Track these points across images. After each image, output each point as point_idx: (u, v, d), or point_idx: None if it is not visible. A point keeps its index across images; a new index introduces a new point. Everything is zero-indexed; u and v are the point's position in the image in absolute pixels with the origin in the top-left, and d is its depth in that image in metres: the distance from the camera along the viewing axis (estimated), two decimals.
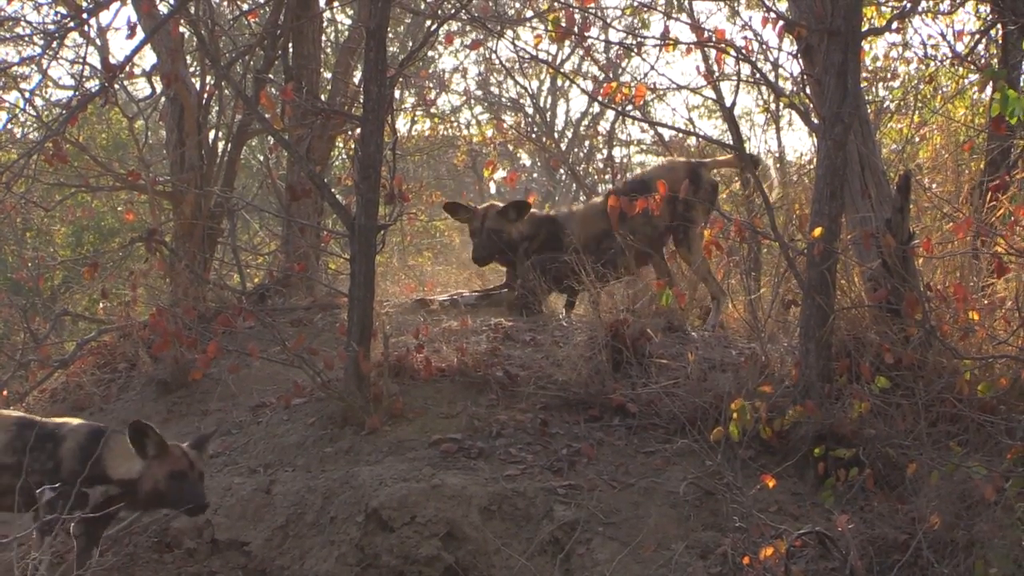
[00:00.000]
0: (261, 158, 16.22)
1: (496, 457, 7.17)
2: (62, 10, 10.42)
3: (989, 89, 8.68)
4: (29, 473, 6.33)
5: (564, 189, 19.03)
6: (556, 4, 8.44)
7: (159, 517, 7.19)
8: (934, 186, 9.01)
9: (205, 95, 10.37)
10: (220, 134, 10.67)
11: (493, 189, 18.58)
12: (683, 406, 7.36)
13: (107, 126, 16.75)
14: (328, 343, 8.25)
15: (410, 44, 15.95)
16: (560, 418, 7.52)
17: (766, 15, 8.05)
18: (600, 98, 12.21)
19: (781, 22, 7.88)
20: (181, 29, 10.19)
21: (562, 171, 17.96)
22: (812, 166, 9.47)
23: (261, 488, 7.21)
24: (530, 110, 18.79)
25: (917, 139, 10.89)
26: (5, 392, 9.24)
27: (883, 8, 10.02)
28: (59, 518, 6.23)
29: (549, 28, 8.04)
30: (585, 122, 19.91)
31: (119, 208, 15.53)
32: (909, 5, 8.83)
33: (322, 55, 11.66)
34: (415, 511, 6.76)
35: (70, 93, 12.62)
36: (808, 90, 7.80)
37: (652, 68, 17.10)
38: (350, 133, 10.96)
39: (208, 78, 10.35)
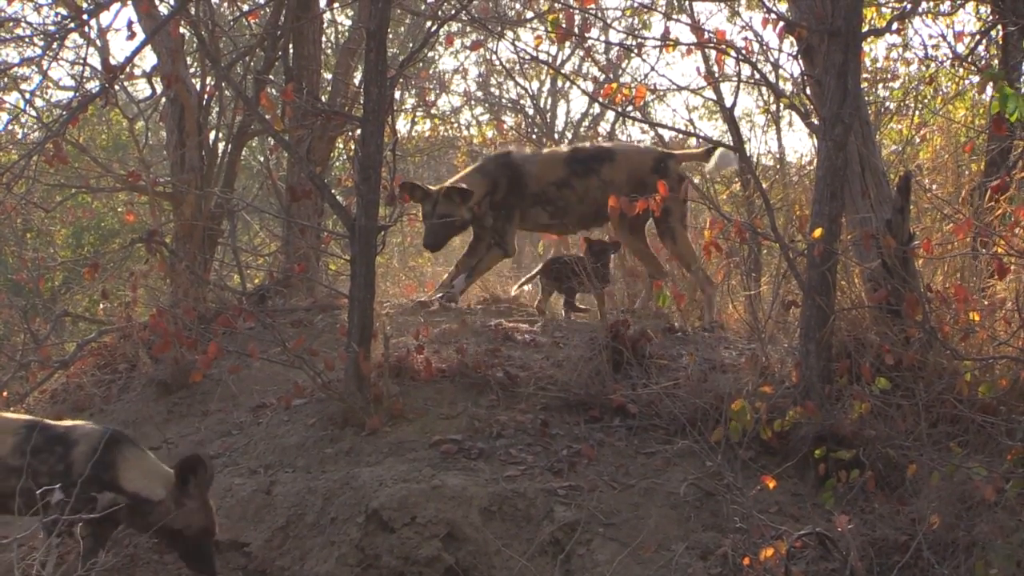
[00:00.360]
0: (261, 159, 16.24)
1: (496, 458, 7.17)
2: (62, 11, 10.43)
3: (989, 90, 8.68)
4: (36, 475, 6.31)
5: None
6: (556, 5, 8.44)
7: None
8: (934, 187, 9.02)
9: (205, 96, 10.37)
10: (220, 135, 10.68)
11: None
12: (683, 407, 7.36)
13: (107, 127, 16.77)
14: (328, 344, 8.25)
15: (410, 45, 15.96)
16: (560, 419, 7.52)
17: (766, 16, 8.06)
18: (600, 99, 12.21)
19: (781, 23, 7.88)
20: (181, 30, 10.20)
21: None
22: (812, 167, 9.47)
23: (261, 489, 7.21)
24: (530, 111, 18.77)
25: (917, 140, 10.89)
26: (5, 393, 9.24)
27: (883, 9, 10.04)
28: (64, 519, 6.22)
29: (549, 29, 8.04)
30: (585, 123, 19.90)
31: (119, 209, 15.56)
32: (909, 6, 8.85)
33: (322, 56, 11.66)
34: (415, 512, 6.76)
35: (70, 94, 12.62)
36: (808, 91, 7.80)
37: (652, 69, 17.10)
38: (350, 134, 10.95)
39: (208, 79, 10.36)
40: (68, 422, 6.74)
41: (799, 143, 40.34)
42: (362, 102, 7.75)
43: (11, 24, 11.82)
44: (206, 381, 8.45)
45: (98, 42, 11.75)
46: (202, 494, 6.40)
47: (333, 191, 10.77)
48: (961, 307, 7.17)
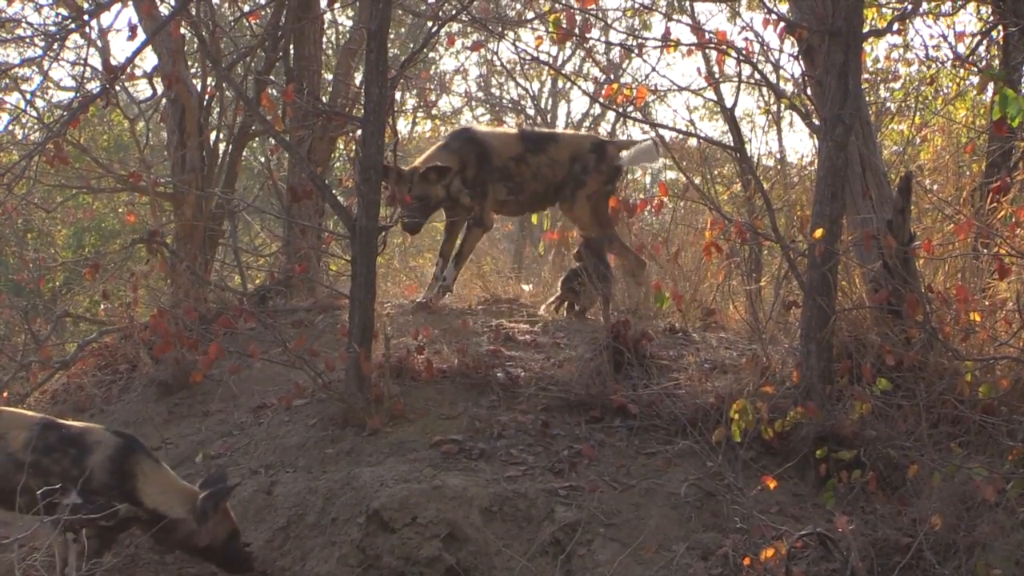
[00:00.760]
0: (262, 159, 16.25)
1: (497, 458, 7.17)
2: (63, 11, 10.44)
3: (990, 90, 8.68)
4: (47, 475, 6.28)
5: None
6: (557, 6, 8.43)
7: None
8: (935, 187, 9.01)
9: (206, 96, 10.38)
10: (221, 135, 10.68)
11: None
12: (684, 407, 7.36)
13: (108, 128, 16.76)
14: (329, 344, 8.25)
15: (411, 46, 15.96)
16: (561, 419, 7.52)
17: (767, 16, 8.05)
18: (601, 99, 12.21)
19: (782, 23, 7.88)
20: (182, 31, 10.20)
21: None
22: (813, 167, 9.47)
23: (262, 489, 7.21)
24: (531, 111, 18.79)
25: (918, 140, 10.89)
26: (6, 393, 9.24)
27: (884, 9, 10.02)
28: (65, 519, 6.22)
29: (550, 29, 8.04)
30: (586, 123, 19.91)
31: (120, 209, 15.56)
32: (910, 6, 8.83)
33: (323, 57, 11.67)
34: (416, 512, 6.76)
35: (71, 94, 12.62)
36: (809, 91, 7.80)
37: (653, 70, 17.07)
38: (351, 135, 10.95)
39: (209, 79, 10.36)
40: (81, 423, 6.71)
41: (800, 143, 40.35)
42: (363, 103, 7.75)
43: (12, 24, 11.82)
44: (207, 381, 8.46)
45: (99, 43, 11.78)
46: (223, 511, 6.40)
47: (334, 191, 10.77)
48: (962, 307, 7.17)
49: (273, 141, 10.41)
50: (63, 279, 14.98)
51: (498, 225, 16.67)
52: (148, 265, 10.28)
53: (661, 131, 11.97)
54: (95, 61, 12.12)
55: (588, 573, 6.54)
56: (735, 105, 8.59)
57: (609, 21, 14.01)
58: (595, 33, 13.36)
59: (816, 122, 7.57)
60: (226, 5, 12.33)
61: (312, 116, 9.36)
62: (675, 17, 10.21)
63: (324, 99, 10.60)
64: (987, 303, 7.41)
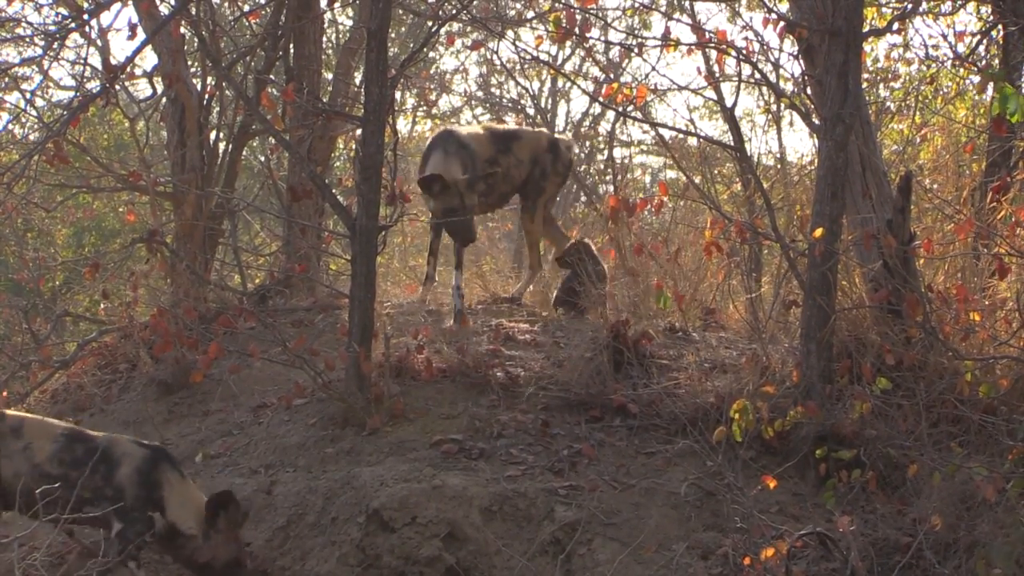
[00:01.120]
0: (262, 159, 16.23)
1: (497, 458, 7.17)
2: (63, 11, 10.43)
3: (990, 90, 8.68)
4: (74, 487, 6.26)
5: (565, 190, 19.02)
6: (557, 5, 8.43)
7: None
8: (935, 187, 9.01)
9: (206, 96, 10.37)
10: (221, 135, 10.68)
11: None
12: (684, 407, 7.36)
13: (108, 127, 16.76)
14: (329, 344, 8.25)
15: (411, 45, 15.96)
16: (561, 419, 7.52)
17: (767, 16, 8.05)
18: (601, 99, 12.21)
19: (782, 23, 7.88)
20: (182, 30, 10.20)
21: None
22: (813, 167, 9.47)
23: (262, 489, 7.21)
24: (531, 111, 18.78)
25: (918, 140, 10.88)
26: (5, 392, 9.24)
27: (884, 9, 10.02)
28: (135, 543, 6.23)
29: (550, 29, 8.04)
30: (586, 123, 19.91)
31: (120, 209, 15.56)
32: (910, 6, 8.83)
33: (323, 56, 11.66)
34: (416, 512, 6.76)
35: (71, 94, 12.62)
36: (809, 91, 7.80)
37: (653, 69, 17.07)
38: (351, 134, 10.95)
39: (209, 79, 10.36)
40: (107, 434, 6.64)
41: (800, 143, 40.35)
42: (363, 102, 7.74)
43: (11, 24, 11.81)
44: (207, 381, 8.45)
45: (99, 42, 11.76)
46: (230, 529, 6.35)
47: (334, 191, 10.77)
48: (962, 307, 7.17)
49: (273, 140, 10.42)
50: (63, 278, 14.98)
51: (498, 225, 16.70)
52: (148, 264, 10.27)
53: (661, 130, 12.00)
54: (95, 60, 12.11)
55: (588, 572, 6.54)
56: (735, 104, 8.60)
57: (609, 20, 14.01)
58: (595, 32, 13.36)
59: (816, 121, 7.57)
60: (226, 4, 12.32)
61: (312, 115, 9.35)
62: (675, 16, 10.22)
63: (324, 98, 10.60)
64: (987, 303, 7.41)
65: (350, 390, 7.51)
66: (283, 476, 7.29)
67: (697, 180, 10.30)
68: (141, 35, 9.05)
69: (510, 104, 18.85)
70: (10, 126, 14.15)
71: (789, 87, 9.38)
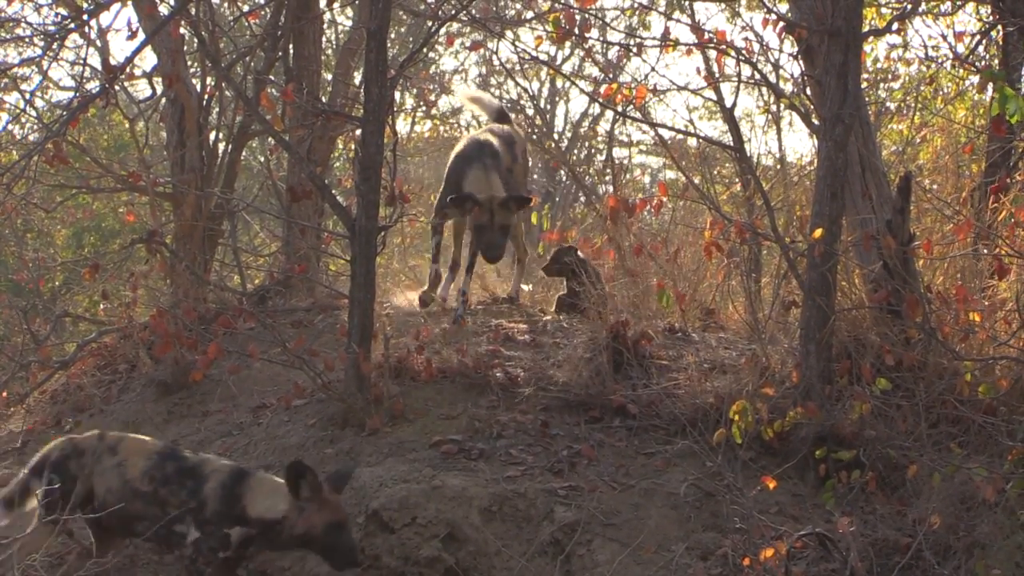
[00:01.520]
0: (262, 159, 16.24)
1: (496, 458, 7.17)
2: (62, 11, 10.42)
3: (990, 90, 8.68)
4: (164, 505, 6.23)
5: (564, 190, 19.05)
6: (556, 5, 8.43)
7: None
8: (935, 188, 9.01)
9: (206, 96, 10.37)
10: (221, 135, 10.68)
11: None
12: (684, 407, 7.37)
13: (108, 127, 16.76)
14: (329, 344, 8.25)
15: (411, 45, 15.96)
16: (561, 419, 7.52)
17: (767, 16, 8.06)
18: (600, 99, 12.20)
19: (782, 23, 7.88)
20: (182, 30, 10.19)
21: (562, 172, 17.98)
22: (813, 167, 9.47)
23: None
24: (530, 111, 18.78)
25: (918, 140, 10.88)
26: (5, 393, 9.24)
27: (884, 9, 10.03)
28: (206, 560, 6.20)
29: (549, 29, 8.04)
30: (585, 123, 19.91)
31: (120, 209, 15.55)
32: (910, 6, 8.83)
33: (323, 56, 11.66)
34: (416, 512, 6.75)
35: (71, 94, 12.61)
36: (809, 91, 7.80)
37: (653, 69, 17.08)
38: (351, 134, 10.95)
39: (209, 79, 10.36)
40: (201, 454, 6.60)
41: (799, 143, 40.33)
42: (362, 102, 7.74)
43: (11, 24, 11.81)
44: (206, 381, 8.46)
45: (98, 42, 11.76)
46: (316, 494, 6.20)
47: (333, 191, 10.76)
48: (961, 308, 7.18)
49: (273, 141, 10.41)
50: (63, 279, 14.97)
51: None
52: (147, 265, 10.28)
53: (661, 131, 12.00)
54: (94, 61, 12.09)
55: (587, 573, 6.54)
56: (734, 105, 8.63)
57: (608, 21, 14.02)
58: (594, 33, 13.36)
59: (816, 122, 7.57)
60: (225, 5, 12.32)
61: (312, 116, 9.34)
62: (674, 17, 10.21)
63: (324, 99, 10.60)
64: (987, 303, 7.41)
65: (350, 391, 7.52)
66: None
67: (696, 180, 10.29)
68: (141, 35, 9.06)
69: (509, 104, 18.84)
70: (10, 126, 14.13)
71: (789, 87, 9.38)
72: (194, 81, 10.35)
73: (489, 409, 7.60)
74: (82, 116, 9.43)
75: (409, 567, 6.66)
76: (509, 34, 13.48)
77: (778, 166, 12.72)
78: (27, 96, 12.91)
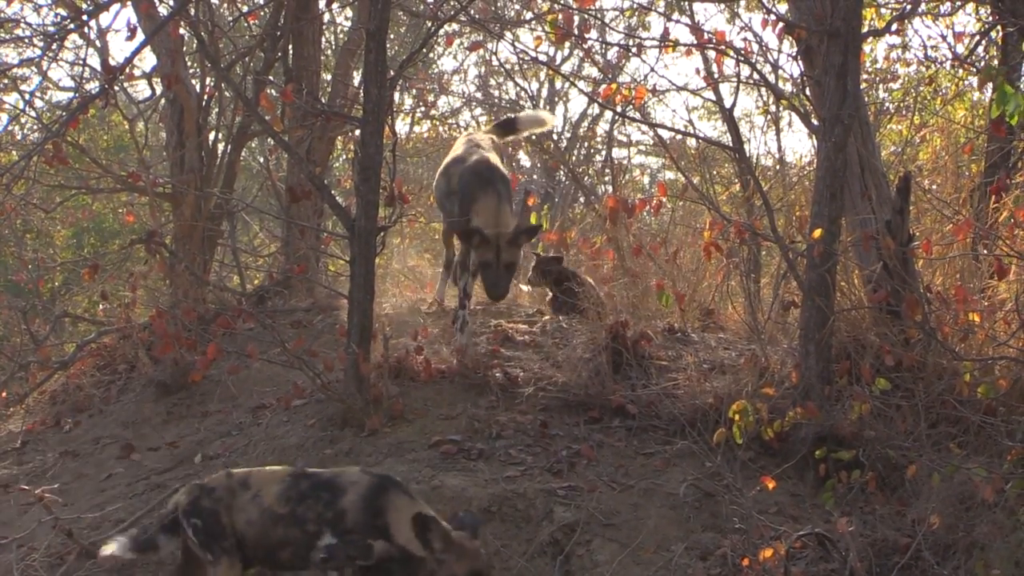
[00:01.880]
0: (261, 160, 16.25)
1: (496, 458, 7.17)
2: (62, 12, 10.43)
3: (989, 90, 8.68)
4: (303, 522, 6.00)
5: (563, 190, 19.04)
6: (556, 6, 8.43)
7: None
8: (934, 188, 9.01)
9: (205, 97, 10.38)
10: (220, 136, 10.68)
11: None
12: (683, 408, 7.37)
13: (107, 128, 16.77)
14: (328, 345, 8.25)
15: (410, 45, 15.96)
16: (560, 419, 7.52)
17: (766, 17, 8.06)
18: (599, 99, 12.20)
19: (781, 24, 7.89)
20: (181, 31, 10.20)
21: (561, 172, 17.98)
22: (812, 168, 9.47)
23: None
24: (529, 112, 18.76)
25: (917, 141, 10.89)
26: (4, 393, 9.24)
27: (883, 10, 10.03)
28: (339, 564, 5.97)
29: (548, 30, 8.04)
30: (584, 124, 19.91)
31: (119, 210, 15.57)
32: (909, 7, 8.84)
33: (322, 57, 11.67)
34: None
35: (70, 95, 12.62)
36: (808, 92, 7.80)
37: (652, 70, 17.10)
38: (350, 135, 10.96)
39: (208, 80, 10.37)
40: (337, 468, 6.37)
41: (799, 144, 40.34)
42: (362, 103, 7.75)
43: (11, 25, 11.82)
44: (205, 382, 8.46)
45: (98, 43, 11.78)
46: (450, 544, 5.93)
47: (333, 192, 10.77)
48: (961, 308, 7.18)
49: (272, 141, 10.42)
50: (62, 279, 14.99)
51: None
52: (147, 265, 10.29)
53: (660, 131, 12.00)
54: (94, 61, 12.11)
55: (587, 573, 6.54)
56: (734, 105, 8.60)
57: (607, 21, 14.02)
58: (593, 33, 13.38)
59: (815, 122, 7.57)
60: (225, 5, 12.33)
61: (311, 116, 9.35)
62: (674, 17, 10.19)
63: (323, 99, 10.60)
64: (986, 303, 7.41)
65: (349, 391, 7.51)
66: None
67: (696, 181, 10.30)
68: (140, 36, 9.05)
69: (508, 105, 18.84)
70: (9, 127, 14.16)
71: (788, 88, 9.39)
72: (193, 82, 10.36)
73: (488, 409, 7.60)
74: (82, 117, 9.41)
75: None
76: (508, 35, 13.48)
77: (777, 166, 12.72)
78: (27, 96, 12.96)
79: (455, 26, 13.46)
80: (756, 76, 8.21)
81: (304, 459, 7.40)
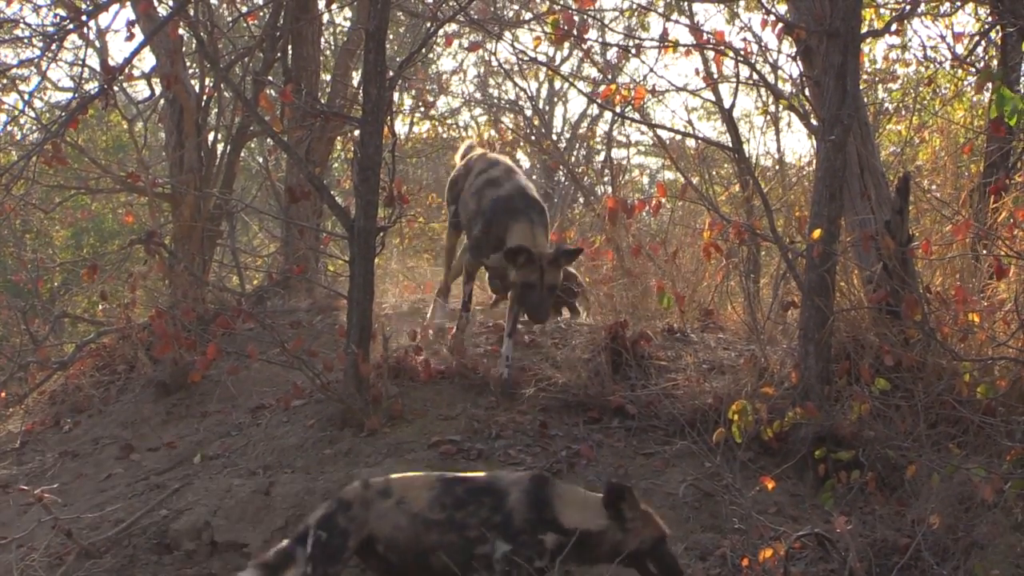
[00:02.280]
0: (260, 160, 16.24)
1: (495, 458, 7.16)
2: (61, 12, 10.42)
3: (988, 90, 8.69)
4: (464, 529, 5.85)
5: (562, 191, 19.03)
6: (555, 6, 8.43)
7: (158, 519, 7.20)
8: (933, 188, 9.01)
9: (204, 97, 10.37)
10: (219, 136, 10.68)
11: None
12: (682, 408, 7.37)
13: (107, 128, 16.76)
14: (327, 345, 8.25)
15: (410, 46, 15.95)
16: (559, 420, 7.52)
17: (765, 17, 8.07)
18: (599, 100, 12.20)
19: (780, 24, 7.89)
20: (180, 31, 10.20)
21: (560, 173, 17.97)
22: (811, 168, 9.47)
23: (260, 490, 7.20)
24: (529, 112, 18.77)
25: (916, 141, 10.89)
26: (4, 393, 9.24)
27: (882, 10, 10.03)
28: (520, 572, 5.83)
29: (548, 30, 8.04)
30: (584, 124, 19.90)
31: (119, 210, 15.56)
32: (909, 7, 8.84)
33: (321, 57, 11.66)
34: None
35: (69, 95, 12.62)
36: (807, 92, 7.80)
37: (651, 70, 17.08)
38: (349, 135, 10.95)
39: (207, 80, 10.36)
40: (482, 473, 6.25)
41: (798, 144, 40.30)
42: (361, 103, 7.75)
43: (10, 25, 11.82)
44: (205, 382, 8.46)
45: (97, 43, 11.79)
46: (636, 511, 5.90)
47: (332, 192, 10.77)
48: (960, 308, 7.18)
49: (271, 142, 10.41)
50: (61, 280, 14.98)
51: None
52: (146, 266, 10.27)
53: (659, 131, 12.00)
54: (93, 62, 12.12)
55: (587, 573, 6.53)
56: (733, 106, 8.62)
57: (607, 21, 14.01)
58: (593, 34, 13.38)
59: (814, 123, 7.58)
60: (224, 6, 12.32)
61: (310, 117, 9.35)
62: (673, 18, 10.18)
63: (322, 100, 10.60)
64: (985, 304, 7.41)
65: (348, 391, 7.51)
66: (281, 477, 7.28)
67: (695, 181, 10.29)
68: (139, 36, 9.06)
69: (507, 105, 18.83)
70: (8, 127, 14.15)
71: (787, 88, 9.38)
72: (193, 82, 10.36)
73: (488, 409, 7.60)
74: (81, 117, 9.40)
75: None
76: (508, 35, 13.47)
77: (777, 167, 12.71)
78: (26, 97, 12.94)
79: (454, 26, 13.46)
80: (755, 76, 8.21)
81: (303, 459, 7.40)
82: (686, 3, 10.92)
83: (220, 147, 10.60)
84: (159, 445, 8.16)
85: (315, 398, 7.85)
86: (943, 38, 10.71)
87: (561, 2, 8.32)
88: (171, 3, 10.01)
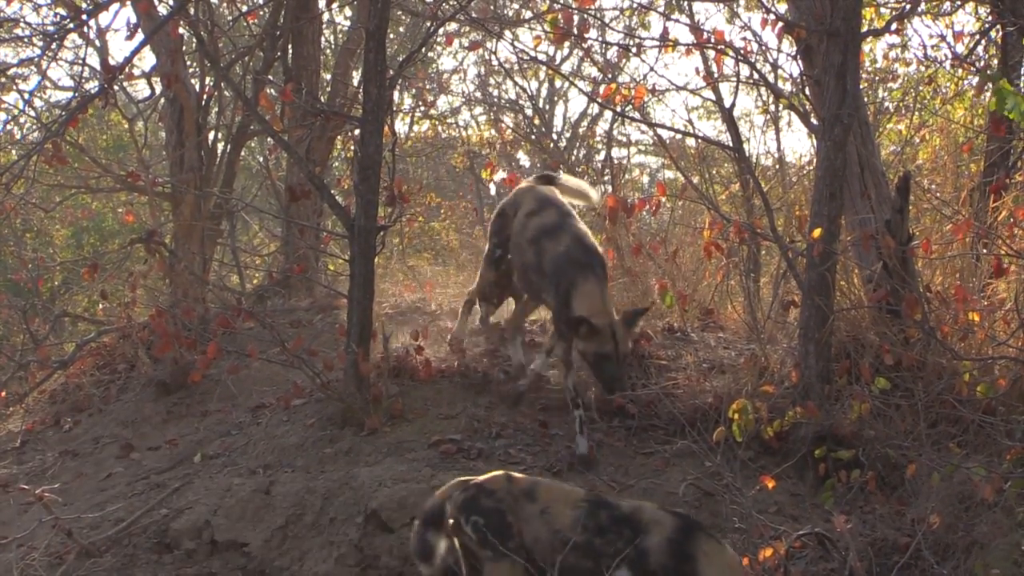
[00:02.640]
0: (261, 159, 16.24)
1: (496, 458, 7.16)
2: (61, 11, 10.42)
3: (988, 90, 8.68)
4: (600, 556, 5.73)
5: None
6: (555, 5, 8.43)
7: (158, 518, 7.20)
8: (933, 187, 9.01)
9: (204, 96, 10.37)
10: (219, 135, 10.68)
11: (493, 191, 18.58)
12: (683, 407, 7.36)
13: (107, 127, 16.77)
14: (328, 344, 8.25)
15: (409, 45, 15.96)
16: (559, 419, 7.51)
17: (765, 16, 8.06)
18: (599, 99, 12.20)
19: (780, 23, 7.88)
20: (180, 30, 10.20)
21: (561, 172, 17.97)
22: (812, 167, 9.47)
23: (260, 489, 7.21)
24: (529, 111, 18.77)
25: (916, 140, 10.89)
26: (4, 393, 9.23)
27: (883, 9, 10.03)
28: None
29: (548, 29, 8.04)
30: (584, 123, 19.90)
31: (119, 209, 15.57)
32: (909, 6, 8.84)
33: (321, 56, 11.67)
34: (415, 512, 6.74)
35: (70, 94, 12.61)
36: (807, 91, 7.80)
37: (651, 69, 17.09)
38: (349, 134, 10.95)
39: (208, 79, 10.36)
40: (632, 501, 6.09)
41: (798, 143, 40.29)
42: (361, 102, 7.74)
43: (10, 24, 11.81)
44: (205, 381, 8.46)
45: (97, 42, 11.76)
46: None
47: (332, 191, 10.77)
48: (960, 307, 7.18)
49: (271, 141, 10.41)
50: (62, 279, 14.98)
51: None
52: (147, 265, 10.27)
53: (659, 131, 12.00)
54: (93, 61, 12.09)
55: None
56: (733, 105, 8.60)
57: (607, 21, 14.00)
58: (593, 33, 13.37)
59: (814, 122, 7.57)
60: (224, 5, 12.32)
61: (310, 116, 9.36)
62: (673, 17, 10.18)
63: (322, 99, 10.60)
64: (985, 303, 7.41)
65: (348, 390, 7.52)
66: (281, 476, 7.29)
67: (695, 180, 10.29)
68: (140, 35, 9.05)
69: (508, 105, 18.83)
70: (8, 127, 14.14)
71: (787, 87, 9.38)
72: (193, 81, 10.35)
73: (488, 409, 7.60)
74: (81, 116, 9.40)
75: (408, 567, 6.65)
76: (508, 34, 13.48)
77: (777, 166, 12.72)
78: (26, 96, 12.94)
79: (454, 25, 13.46)
80: (756, 76, 8.21)
81: (303, 458, 7.41)
82: (686, 2, 10.92)
83: (220, 146, 10.60)
84: (159, 444, 8.16)
85: (315, 397, 7.86)
86: (943, 37, 10.70)
87: (561, 1, 8.31)
88: (171, 2, 10.01)
